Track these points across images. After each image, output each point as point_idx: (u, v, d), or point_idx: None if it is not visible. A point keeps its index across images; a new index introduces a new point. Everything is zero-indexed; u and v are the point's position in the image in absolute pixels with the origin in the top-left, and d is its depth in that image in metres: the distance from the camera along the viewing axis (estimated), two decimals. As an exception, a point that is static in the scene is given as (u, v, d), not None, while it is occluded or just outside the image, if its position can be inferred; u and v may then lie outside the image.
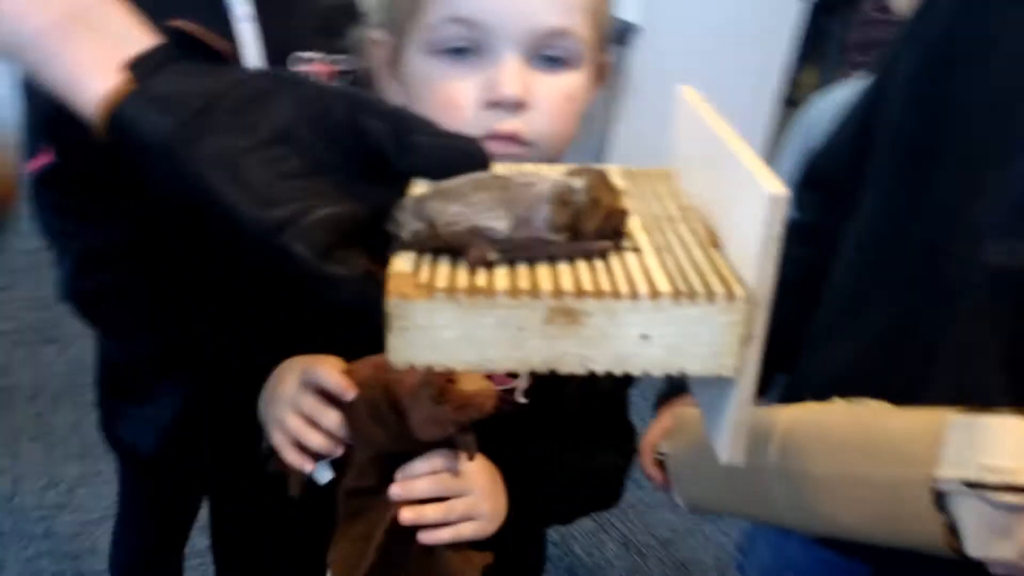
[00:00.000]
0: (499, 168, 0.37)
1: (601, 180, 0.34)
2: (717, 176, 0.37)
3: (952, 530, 0.58)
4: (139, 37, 0.39)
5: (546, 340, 0.32)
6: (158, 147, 0.37)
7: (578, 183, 0.33)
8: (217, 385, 0.83)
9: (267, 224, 0.35)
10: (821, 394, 0.70)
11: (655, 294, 0.31)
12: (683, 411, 0.82)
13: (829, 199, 0.84)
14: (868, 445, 0.62)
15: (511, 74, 0.56)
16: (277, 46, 0.77)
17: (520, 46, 0.57)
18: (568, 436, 0.71)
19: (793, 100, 3.46)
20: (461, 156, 0.37)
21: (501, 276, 0.32)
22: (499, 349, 0.32)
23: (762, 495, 0.67)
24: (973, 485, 0.56)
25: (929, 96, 0.73)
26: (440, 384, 0.56)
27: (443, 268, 0.33)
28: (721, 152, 0.36)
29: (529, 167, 0.42)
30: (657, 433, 0.85)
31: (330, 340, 0.65)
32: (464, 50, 0.58)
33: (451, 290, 0.31)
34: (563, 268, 0.33)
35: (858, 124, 0.83)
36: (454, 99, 0.58)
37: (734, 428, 0.33)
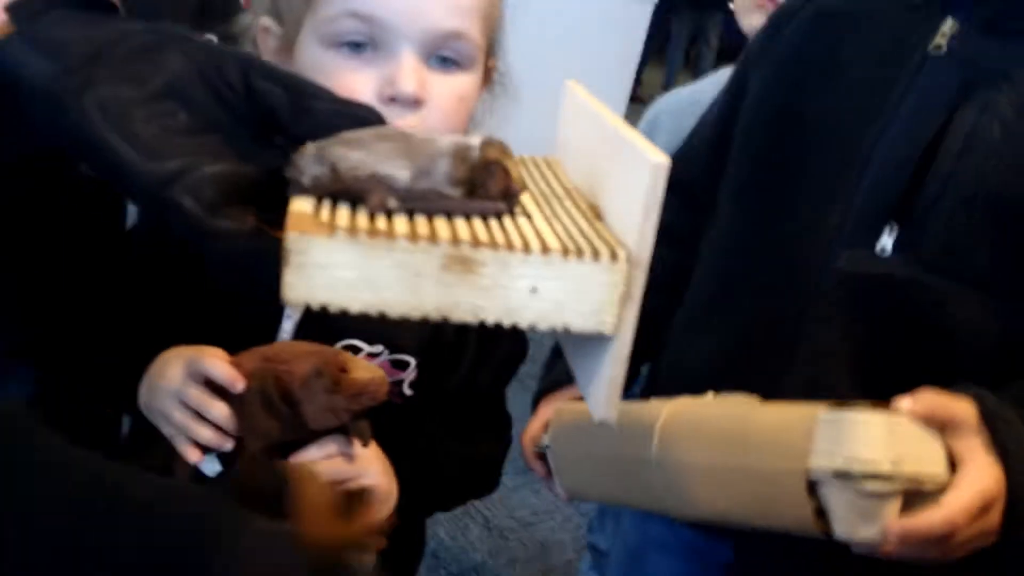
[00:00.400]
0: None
1: (499, 145, 0.36)
2: (602, 154, 0.39)
3: (821, 515, 0.62)
4: None
5: (442, 287, 0.33)
6: (42, 92, 0.35)
7: (475, 142, 0.35)
8: (72, 371, 0.79)
9: (156, 177, 0.34)
10: (684, 387, 0.74)
11: (546, 249, 0.33)
12: (562, 405, 0.84)
13: (689, 203, 0.89)
14: (745, 438, 0.66)
15: (409, 71, 0.58)
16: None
17: (417, 45, 0.59)
18: (451, 427, 0.73)
19: (639, 98, 3.59)
20: (359, 123, 0.37)
21: (400, 222, 0.34)
22: (395, 292, 0.33)
23: (643, 484, 0.70)
24: (841, 474, 0.60)
25: (779, 114, 0.78)
26: (333, 373, 0.56)
27: (343, 211, 0.34)
28: (606, 132, 0.39)
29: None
30: (537, 427, 0.87)
31: (210, 329, 0.63)
32: (361, 44, 0.59)
33: (352, 230, 0.32)
34: (460, 222, 0.35)
35: (713, 132, 0.88)
36: (352, 92, 0.59)
37: (609, 384, 0.35)
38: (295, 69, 0.63)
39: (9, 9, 0.37)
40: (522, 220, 0.36)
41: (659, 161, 0.33)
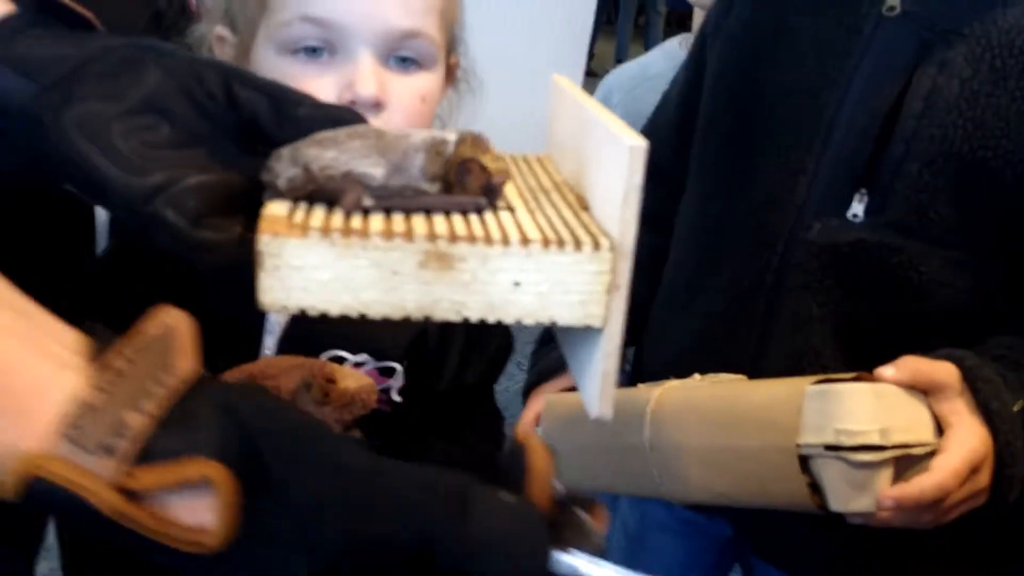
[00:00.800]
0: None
1: (475, 140, 0.35)
2: (585, 144, 0.39)
3: (815, 489, 0.62)
4: None
5: (421, 285, 0.32)
6: (20, 112, 0.35)
7: (451, 136, 0.34)
8: None
9: (137, 191, 0.34)
10: (669, 366, 0.74)
11: (526, 241, 0.33)
12: (552, 396, 0.84)
13: (658, 185, 0.89)
14: (735, 418, 0.66)
15: (367, 74, 0.58)
16: None
17: (374, 47, 0.58)
18: (442, 428, 0.73)
19: (592, 71, 3.59)
20: (350, 115, 0.37)
21: (376, 220, 0.33)
22: (374, 292, 0.32)
23: (639, 471, 0.70)
24: (832, 448, 0.61)
25: (738, 88, 0.78)
26: (321, 385, 0.55)
27: (319, 212, 0.33)
28: (588, 120, 0.38)
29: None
30: (529, 419, 0.87)
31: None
32: (318, 49, 0.59)
33: (325, 230, 0.31)
34: (439, 218, 0.34)
35: (676, 111, 0.88)
36: None
37: (602, 379, 0.34)
38: None
39: None
40: (504, 214, 0.35)
41: (636, 144, 0.32)
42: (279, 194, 0.34)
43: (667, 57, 1.27)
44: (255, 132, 0.37)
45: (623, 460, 0.72)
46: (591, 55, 3.39)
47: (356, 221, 0.33)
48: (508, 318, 0.33)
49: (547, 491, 0.33)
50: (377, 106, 0.58)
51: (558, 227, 0.34)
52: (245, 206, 0.35)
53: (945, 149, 0.67)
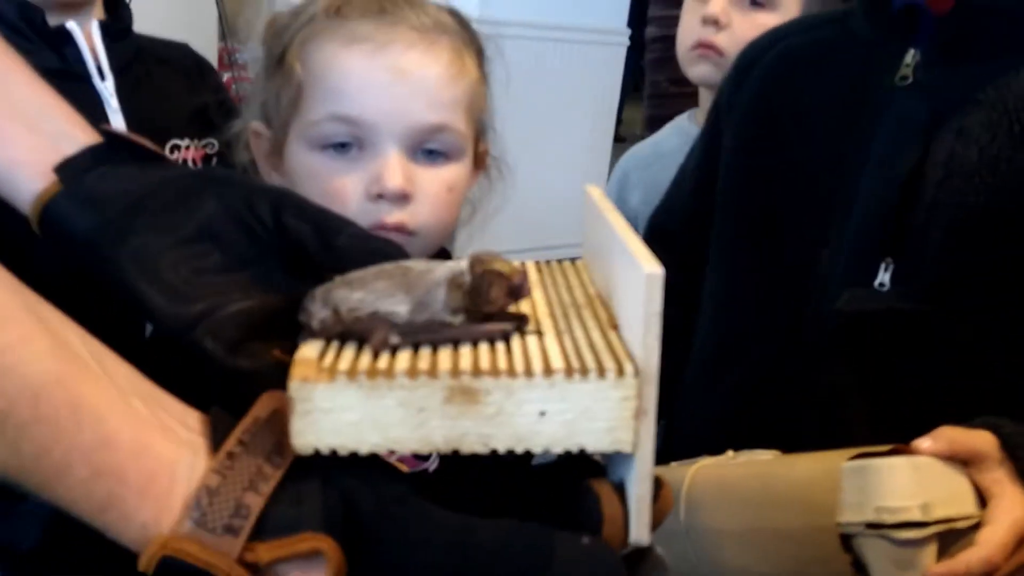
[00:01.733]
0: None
1: (484, 257, 0.36)
2: (611, 260, 0.39)
3: (859, 568, 0.61)
4: (74, 136, 0.41)
5: (447, 419, 0.33)
6: (83, 245, 0.39)
7: (463, 264, 0.35)
8: None
9: (181, 320, 0.37)
10: (701, 440, 0.73)
11: (549, 371, 0.33)
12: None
13: (675, 255, 0.89)
14: (772, 498, 0.65)
15: (394, 168, 0.60)
16: (152, 137, 0.84)
17: (401, 141, 0.60)
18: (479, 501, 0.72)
19: (620, 137, 3.64)
20: (381, 257, 0.39)
21: (403, 358, 0.34)
22: (402, 429, 0.33)
23: (675, 555, 0.69)
24: (874, 526, 0.60)
25: (755, 163, 0.79)
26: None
27: (348, 353, 0.34)
28: (612, 240, 0.38)
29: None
30: None
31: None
32: (347, 145, 0.61)
33: (352, 372, 0.32)
34: (465, 351, 0.34)
35: (693, 183, 0.88)
36: (340, 193, 0.60)
37: (636, 504, 0.34)
38: (285, 171, 0.64)
39: (57, 169, 0.40)
40: (531, 339, 0.36)
41: (653, 272, 0.33)
42: (313, 334, 0.35)
43: (678, 133, 1.28)
44: (300, 255, 0.39)
45: (659, 545, 0.71)
46: (619, 121, 3.45)
47: (383, 361, 0.33)
48: (536, 447, 0.34)
49: (621, 534, 0.34)
50: (404, 198, 0.60)
51: (583, 352, 0.35)
52: (287, 328, 0.37)
53: (968, 214, 0.67)
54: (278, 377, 0.35)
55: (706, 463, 0.71)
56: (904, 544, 0.59)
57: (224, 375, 0.37)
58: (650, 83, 1.90)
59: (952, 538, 0.60)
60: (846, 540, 0.61)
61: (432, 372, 0.32)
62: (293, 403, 0.32)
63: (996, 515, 0.60)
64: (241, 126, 0.68)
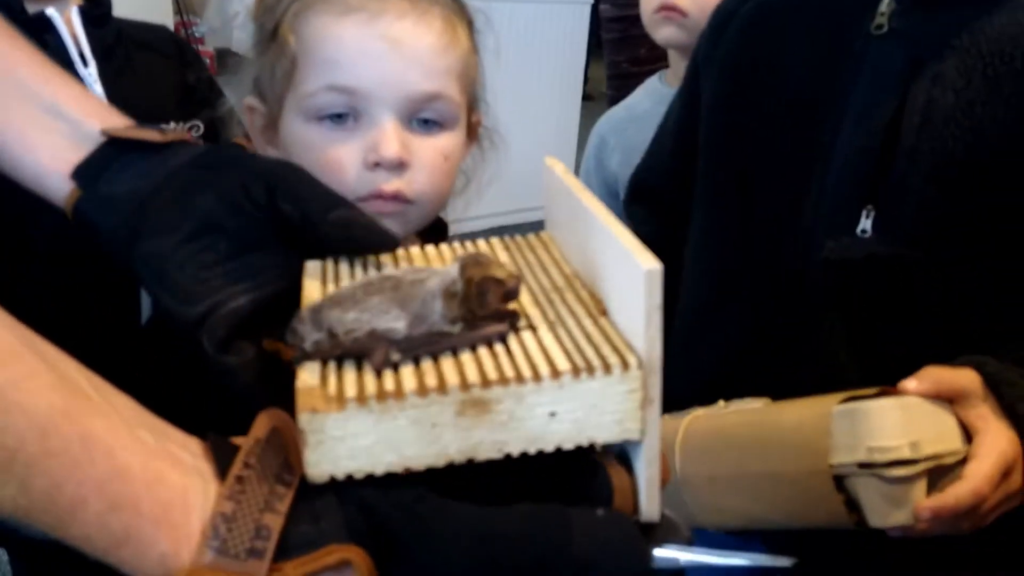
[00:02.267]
0: (389, 267, 0.38)
1: (475, 260, 0.36)
2: (592, 247, 0.39)
3: (852, 507, 0.63)
4: (88, 128, 0.43)
5: (460, 432, 0.33)
6: (107, 245, 0.42)
7: (453, 271, 0.35)
8: None
9: (190, 320, 0.39)
10: (694, 391, 0.74)
11: (556, 373, 0.33)
12: None
13: (659, 211, 0.89)
14: (765, 444, 0.66)
15: (390, 137, 0.59)
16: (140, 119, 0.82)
17: (396, 110, 0.60)
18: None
19: (588, 95, 3.67)
20: (373, 235, 0.41)
21: (408, 375, 0.33)
22: (416, 447, 0.33)
23: (672, 504, 0.71)
24: (865, 465, 0.61)
25: (735, 117, 0.79)
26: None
27: (350, 375, 0.34)
28: (592, 224, 0.38)
29: (417, 255, 0.44)
30: None
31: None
32: (343, 115, 0.60)
33: (361, 398, 0.32)
34: (466, 358, 0.34)
35: (673, 140, 0.88)
36: (337, 162, 0.60)
37: (647, 485, 0.35)
38: (281, 144, 0.64)
39: (74, 175, 0.42)
40: (526, 336, 0.36)
41: (652, 268, 0.33)
42: (307, 356, 0.34)
43: (650, 94, 1.28)
44: (299, 233, 0.41)
45: None
46: (586, 79, 3.43)
47: (388, 381, 0.33)
48: (548, 446, 0.34)
49: (631, 503, 0.36)
50: (400, 166, 0.60)
51: (583, 347, 0.35)
52: (287, 311, 0.37)
53: (946, 160, 0.67)
54: (261, 371, 0.38)
55: (698, 414, 0.72)
56: (895, 481, 0.61)
57: (213, 370, 0.39)
58: (609, 63, 1.88)
59: (940, 473, 0.62)
60: (839, 481, 0.63)
61: (442, 388, 0.32)
62: (304, 435, 0.32)
63: (982, 449, 0.62)
64: (232, 103, 0.67)
